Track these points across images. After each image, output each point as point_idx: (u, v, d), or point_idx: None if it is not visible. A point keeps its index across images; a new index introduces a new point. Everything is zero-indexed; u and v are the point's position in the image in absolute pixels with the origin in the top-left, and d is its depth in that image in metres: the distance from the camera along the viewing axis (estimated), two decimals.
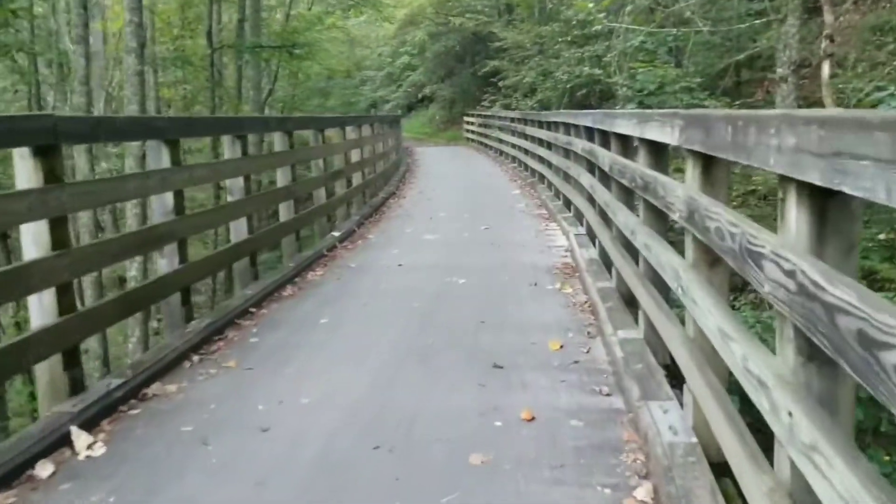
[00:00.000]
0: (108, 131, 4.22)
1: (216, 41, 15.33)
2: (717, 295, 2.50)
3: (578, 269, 6.05)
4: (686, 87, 9.45)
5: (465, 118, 27.61)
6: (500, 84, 23.09)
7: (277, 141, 6.34)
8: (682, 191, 2.92)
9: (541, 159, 12.64)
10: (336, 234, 7.56)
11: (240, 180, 5.19)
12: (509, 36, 21.59)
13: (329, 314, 4.83)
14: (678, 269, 2.95)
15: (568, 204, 9.04)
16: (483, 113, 23.37)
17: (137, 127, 4.48)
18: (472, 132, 25.75)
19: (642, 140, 3.94)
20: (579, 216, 7.99)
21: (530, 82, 19.76)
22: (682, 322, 3.02)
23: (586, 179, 7.01)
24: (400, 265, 6.38)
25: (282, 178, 6.39)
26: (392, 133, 16.04)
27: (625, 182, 4.51)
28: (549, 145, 11.46)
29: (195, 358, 3.97)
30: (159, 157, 4.15)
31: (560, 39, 16.51)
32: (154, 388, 3.50)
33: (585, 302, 5.08)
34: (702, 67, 10.41)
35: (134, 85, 11.74)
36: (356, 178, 9.73)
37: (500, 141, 19.11)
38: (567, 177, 9.33)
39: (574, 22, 15.53)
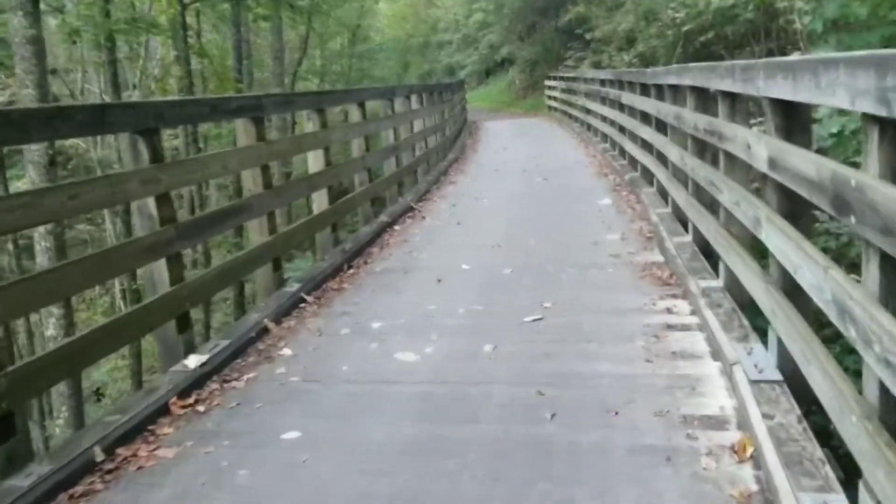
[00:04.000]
0: None
1: None
2: None
3: None
4: None
5: (547, 82, 22.73)
6: (588, 37, 18.18)
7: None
8: None
9: (645, 144, 8.02)
10: (194, 361, 3.41)
11: None
12: None
13: None
14: None
15: (706, 251, 4.53)
16: (567, 75, 18.51)
17: None
18: (555, 99, 20.92)
19: None
20: (737, 293, 3.55)
21: (627, 30, 14.85)
22: None
23: (784, 243, 2.51)
24: None
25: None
26: (436, 108, 11.71)
27: None
28: (659, 125, 6.86)
29: None
30: None
31: None
32: None
33: None
34: None
35: (27, 58, 7.97)
36: (319, 202, 5.53)
37: (587, 111, 14.36)
38: (698, 189, 4.80)
39: None
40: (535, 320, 3.95)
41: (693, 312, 3.92)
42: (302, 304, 4.46)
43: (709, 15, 9.77)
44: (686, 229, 5.45)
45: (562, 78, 19.42)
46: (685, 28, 10.63)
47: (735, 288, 3.90)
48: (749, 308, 3.95)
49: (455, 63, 35.35)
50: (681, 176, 5.94)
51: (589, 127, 14.37)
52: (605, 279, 4.67)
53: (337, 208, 5.73)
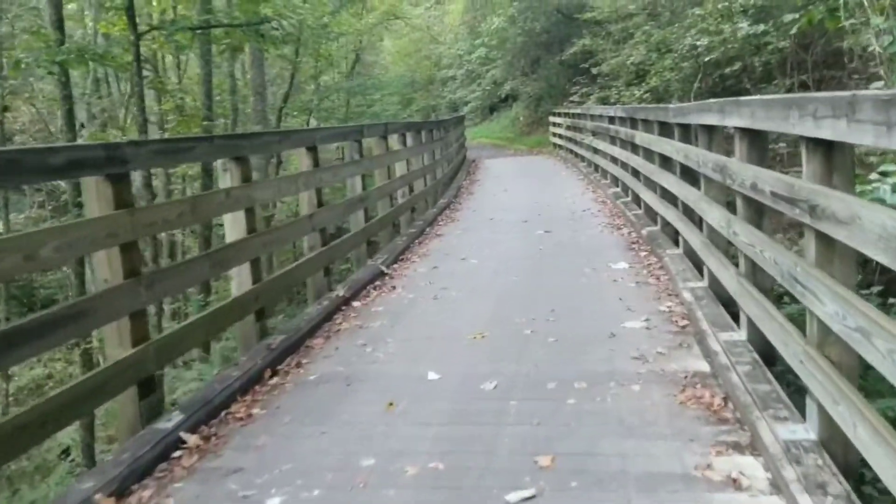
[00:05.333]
0: None
1: (160, 24, 10.21)
2: None
3: None
4: None
5: (551, 118, 21.51)
6: (595, 71, 16.96)
7: None
8: None
9: (666, 193, 6.62)
10: None
11: None
12: (605, 2, 15.44)
13: None
14: None
15: (769, 357, 3.06)
16: (572, 111, 17.25)
17: None
18: (560, 136, 19.67)
19: None
20: (840, 452, 2.08)
21: (637, 63, 13.59)
22: None
23: None
24: None
25: None
26: (425, 148, 10.37)
27: None
28: (685, 172, 5.46)
29: None
30: None
31: None
32: None
33: None
34: None
35: None
36: (240, 280, 4.11)
37: (595, 150, 13.03)
38: (755, 269, 3.38)
39: None
40: (524, 501, 2.48)
41: (774, 489, 2.44)
42: (178, 452, 3.00)
43: (736, 44, 8.44)
44: (735, 318, 4.01)
45: (567, 114, 18.17)
46: (707, 58, 9.29)
47: (838, 445, 2.47)
48: (855, 467, 2.55)
49: (458, 99, 34.68)
50: (721, 242, 4.52)
51: (597, 168, 13.02)
52: (630, 407, 3.20)
53: (262, 289, 4.29)
